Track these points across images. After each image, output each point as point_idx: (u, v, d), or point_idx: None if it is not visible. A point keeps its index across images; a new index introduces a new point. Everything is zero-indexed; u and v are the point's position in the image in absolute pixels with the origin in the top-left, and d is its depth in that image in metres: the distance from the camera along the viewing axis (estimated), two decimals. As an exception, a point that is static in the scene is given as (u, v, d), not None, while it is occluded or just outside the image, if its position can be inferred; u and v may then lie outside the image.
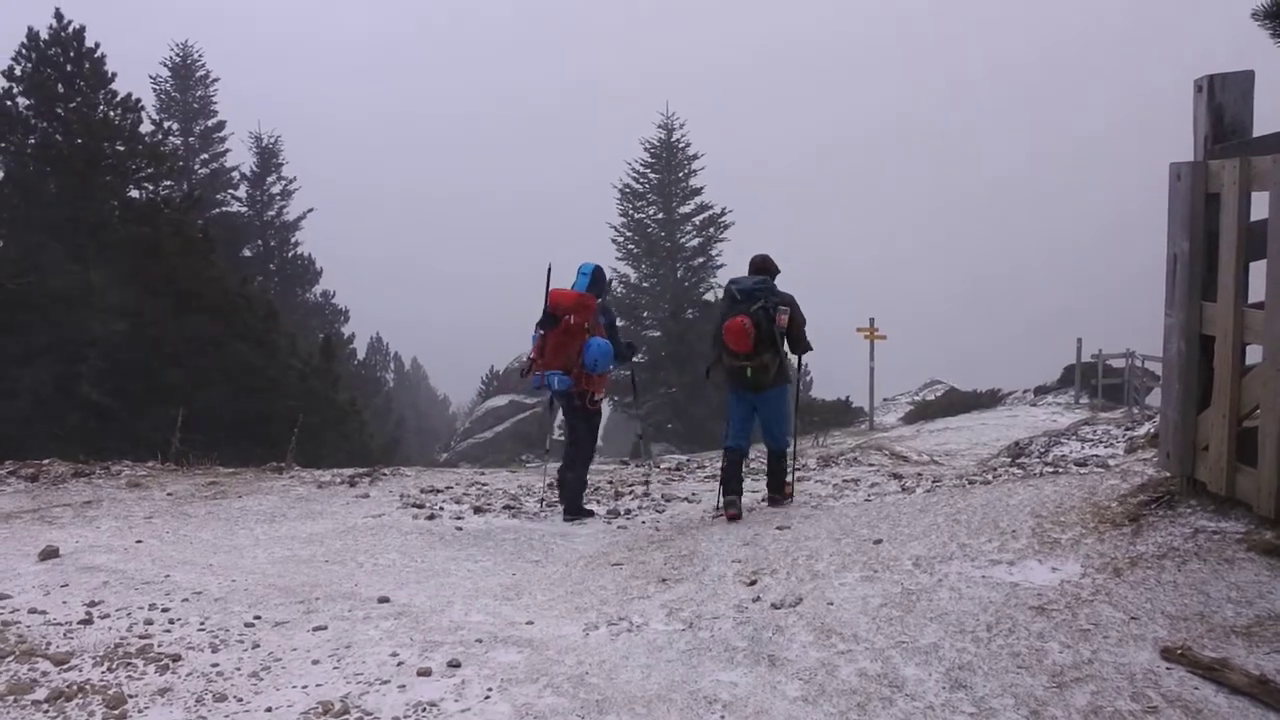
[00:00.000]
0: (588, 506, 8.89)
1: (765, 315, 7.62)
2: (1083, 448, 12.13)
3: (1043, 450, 12.65)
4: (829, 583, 5.28)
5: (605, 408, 9.33)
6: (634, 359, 9.18)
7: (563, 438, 10.40)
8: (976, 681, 3.83)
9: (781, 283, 8.15)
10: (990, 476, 9.07)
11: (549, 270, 8.44)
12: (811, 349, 8.19)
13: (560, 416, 9.88)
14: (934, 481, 9.11)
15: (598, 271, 8.81)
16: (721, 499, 8.04)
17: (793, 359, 8.32)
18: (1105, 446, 11.82)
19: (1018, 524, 5.66)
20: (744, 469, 8.42)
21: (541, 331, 8.59)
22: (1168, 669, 3.71)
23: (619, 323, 9.02)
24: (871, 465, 12.61)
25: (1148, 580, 4.43)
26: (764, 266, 8.15)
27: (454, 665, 4.48)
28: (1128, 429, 13.59)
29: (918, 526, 6.11)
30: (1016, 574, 4.92)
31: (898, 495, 8.10)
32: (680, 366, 37.03)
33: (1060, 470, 9.21)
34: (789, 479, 8.37)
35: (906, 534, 5.98)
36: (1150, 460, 6.26)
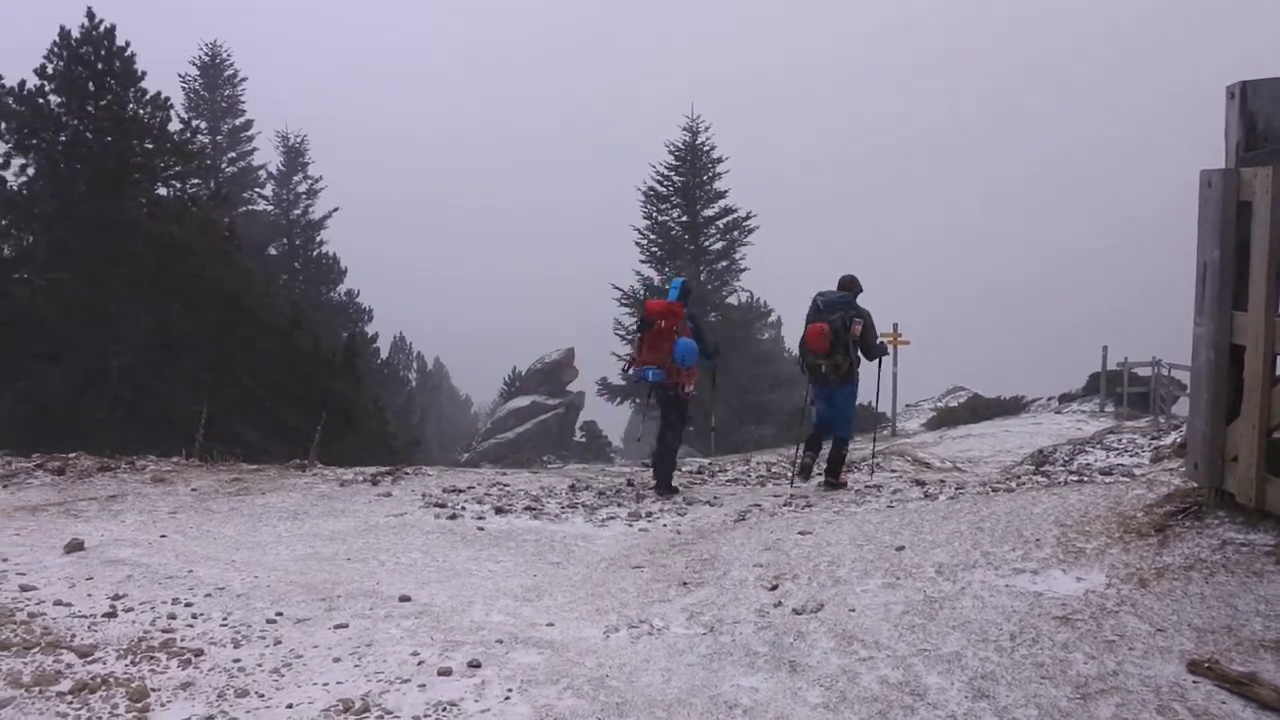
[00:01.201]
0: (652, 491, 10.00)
1: (842, 324, 9.48)
2: (1108, 456, 12.05)
3: (1067, 458, 12.57)
4: (851, 589, 5.26)
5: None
6: (717, 356, 11.19)
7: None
8: (999, 691, 3.81)
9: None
10: (1014, 484, 9.02)
11: (646, 288, 11.19)
12: (886, 352, 10.10)
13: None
14: (957, 488, 9.06)
15: (685, 285, 10.45)
16: (801, 452, 10.21)
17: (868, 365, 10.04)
18: (1131, 456, 11.74)
19: (1042, 533, 5.62)
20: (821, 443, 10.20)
21: (639, 335, 10.23)
22: (1194, 682, 3.67)
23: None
24: (894, 471, 12.57)
25: (1174, 592, 4.38)
26: (849, 285, 9.92)
27: (474, 665, 4.48)
28: (1154, 438, 13.49)
29: (940, 534, 6.07)
30: (1040, 583, 4.89)
31: (920, 502, 8.05)
32: (703, 370, 36.92)
33: (1085, 479, 9.15)
34: (844, 475, 10.08)
35: (929, 541, 5.95)
36: (1177, 470, 6.20)
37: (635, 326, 10.29)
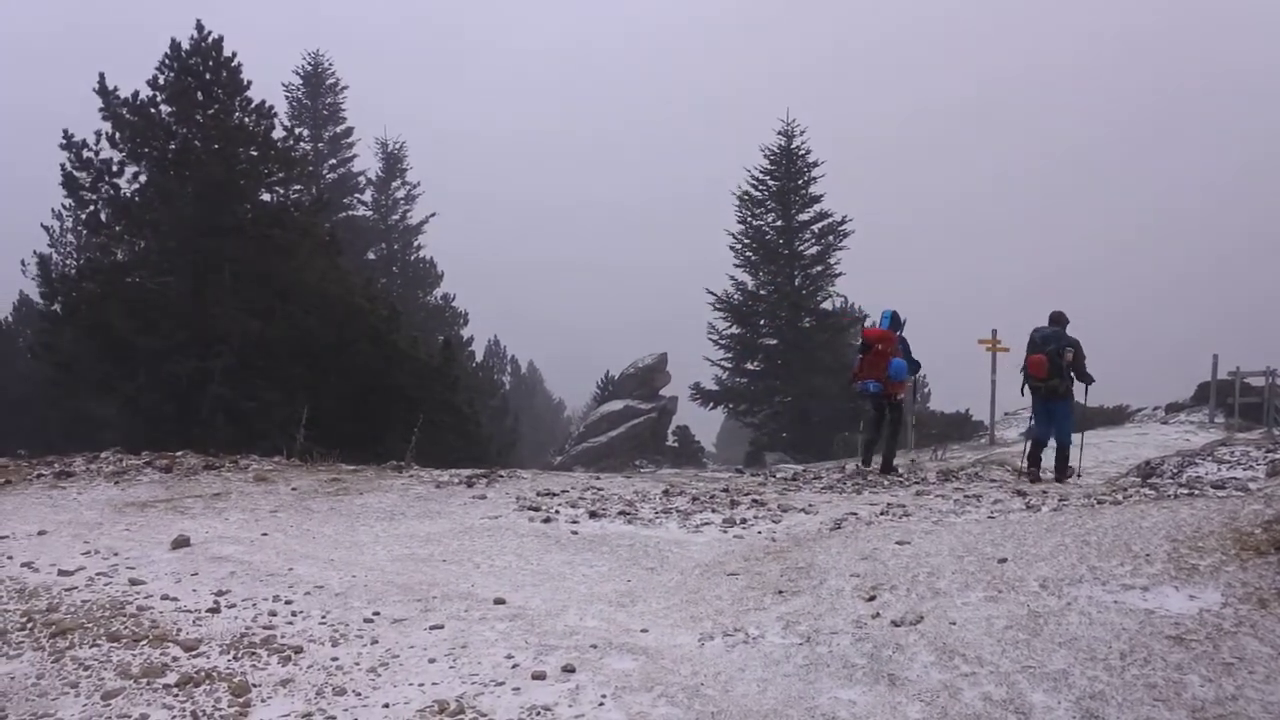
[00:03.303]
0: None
1: (1056, 353, 11.49)
2: (1219, 469, 11.64)
3: (1175, 471, 12.18)
4: (951, 601, 5.13)
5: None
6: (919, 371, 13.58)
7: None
8: (1109, 713, 3.67)
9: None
10: (1120, 496, 8.74)
11: (868, 320, 12.61)
12: (1094, 380, 11.96)
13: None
14: (1060, 500, 8.82)
15: (895, 315, 12.70)
16: (1026, 465, 12.33)
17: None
18: (1244, 469, 11.32)
19: (1152, 548, 5.42)
20: (1041, 453, 12.15)
21: (860, 356, 12.79)
22: (1321, 709, 3.49)
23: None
24: (993, 481, 12.28)
25: (1297, 613, 4.19)
26: (1058, 320, 11.90)
27: (568, 670, 4.48)
28: (1269, 451, 13.00)
29: (1044, 546, 5.89)
30: (1151, 600, 4.71)
31: (1022, 513, 7.85)
32: (796, 375, 36.60)
33: (1196, 492, 8.84)
34: (1070, 465, 12.05)
35: (1032, 554, 5.77)
36: (1297, 485, 5.94)
37: (858, 349, 12.97)
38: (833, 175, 38.92)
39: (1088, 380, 11.95)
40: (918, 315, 13.33)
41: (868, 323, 13.66)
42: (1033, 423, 12.43)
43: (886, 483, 11.39)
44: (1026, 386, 12.11)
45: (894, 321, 12.67)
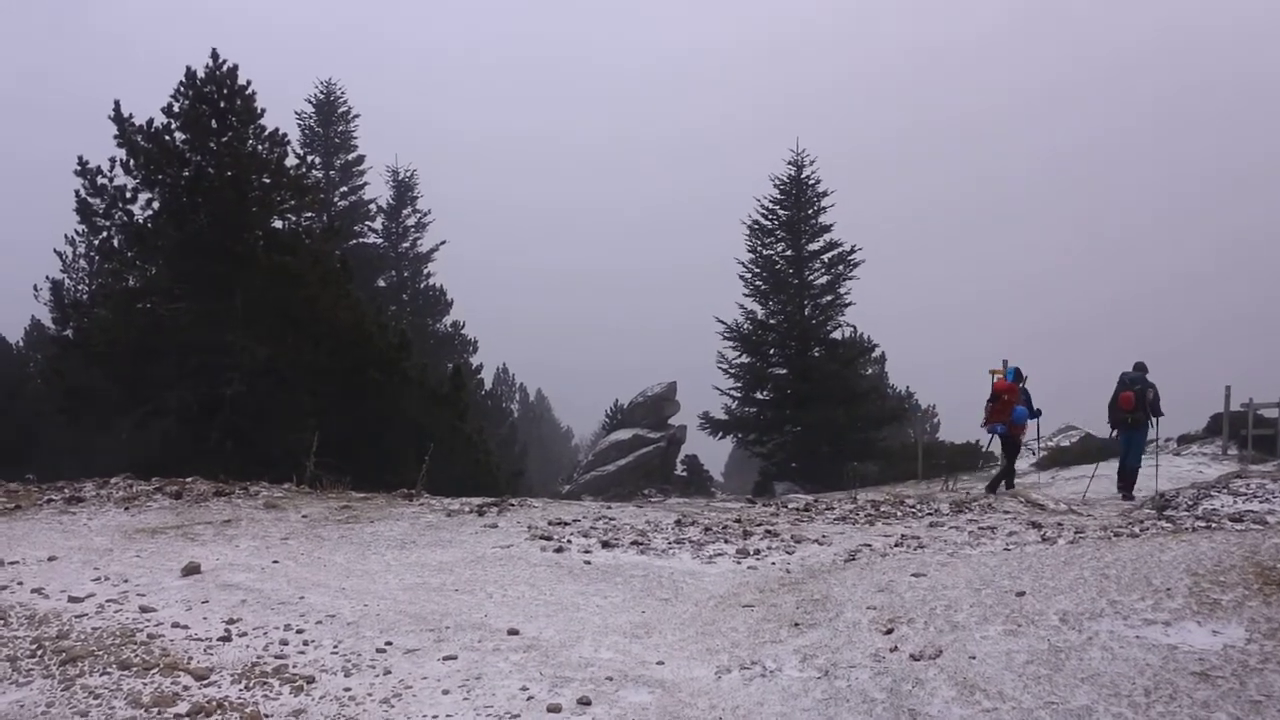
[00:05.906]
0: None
1: (1140, 393, 14.47)
2: (1235, 502, 11.54)
3: (1191, 503, 12.07)
4: (970, 635, 5.07)
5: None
6: (1040, 417, 16.98)
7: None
8: (1136, 750, 3.61)
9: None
10: (1137, 529, 8.66)
11: (992, 373, 16.07)
12: (1163, 414, 15.23)
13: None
14: (1076, 532, 8.74)
15: (1018, 371, 15.81)
16: (1122, 490, 14.79)
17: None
18: (1261, 501, 11.22)
19: (1172, 581, 5.36)
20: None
21: (991, 404, 15.51)
22: (1352, 748, 3.43)
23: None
24: (1007, 513, 12.19)
25: (1325, 649, 4.12)
26: (1141, 367, 14.88)
27: (584, 703, 4.43)
28: (1285, 484, 12.87)
29: (1063, 580, 5.83)
30: (1174, 635, 4.65)
31: (1038, 545, 7.78)
32: (806, 405, 36.46)
33: (1214, 525, 8.75)
34: (1136, 484, 14.82)
35: (1051, 587, 5.71)
36: (1319, 519, 5.87)
37: (989, 398, 15.61)
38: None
39: (1159, 414, 15.03)
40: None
41: (995, 378, 16.23)
42: (1122, 453, 15.17)
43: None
44: (1114, 420, 14.98)
45: (1017, 376, 15.72)
